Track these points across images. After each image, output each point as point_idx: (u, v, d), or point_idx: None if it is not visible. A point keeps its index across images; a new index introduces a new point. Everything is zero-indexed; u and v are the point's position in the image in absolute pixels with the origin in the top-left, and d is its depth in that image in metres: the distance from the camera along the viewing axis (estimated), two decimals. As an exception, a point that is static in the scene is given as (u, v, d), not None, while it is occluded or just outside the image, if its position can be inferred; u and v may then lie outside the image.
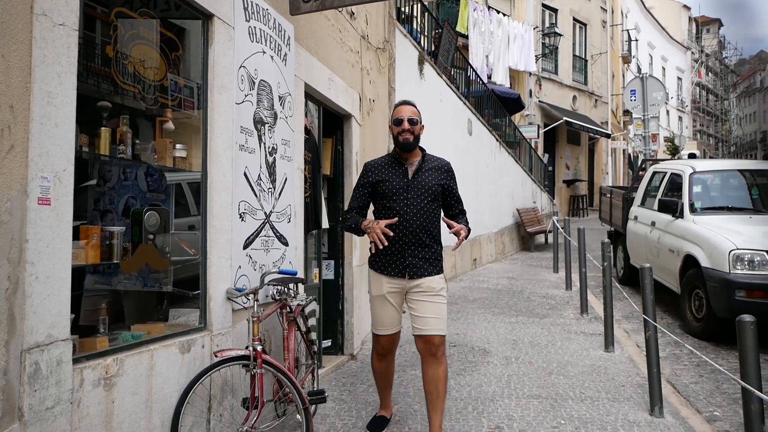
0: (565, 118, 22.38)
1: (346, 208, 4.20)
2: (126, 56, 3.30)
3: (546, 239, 16.93)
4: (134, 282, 3.71)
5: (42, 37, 2.47)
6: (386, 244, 3.58)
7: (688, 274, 6.94)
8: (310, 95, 5.29)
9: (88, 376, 2.71)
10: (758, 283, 6.04)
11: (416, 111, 3.95)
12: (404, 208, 3.79)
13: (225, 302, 3.76)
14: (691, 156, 14.27)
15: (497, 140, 14.64)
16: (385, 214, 3.83)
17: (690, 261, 6.91)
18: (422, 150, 3.97)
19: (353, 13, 6.29)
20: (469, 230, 3.89)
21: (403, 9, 10.48)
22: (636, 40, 36.66)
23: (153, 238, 3.47)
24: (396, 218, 3.73)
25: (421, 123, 3.94)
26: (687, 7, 57.72)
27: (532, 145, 20.19)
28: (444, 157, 4.12)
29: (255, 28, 4.16)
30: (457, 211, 4.03)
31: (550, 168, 23.49)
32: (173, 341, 3.32)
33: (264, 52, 4.28)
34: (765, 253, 6.14)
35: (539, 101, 22.72)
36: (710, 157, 48.61)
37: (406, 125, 3.85)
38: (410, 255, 3.80)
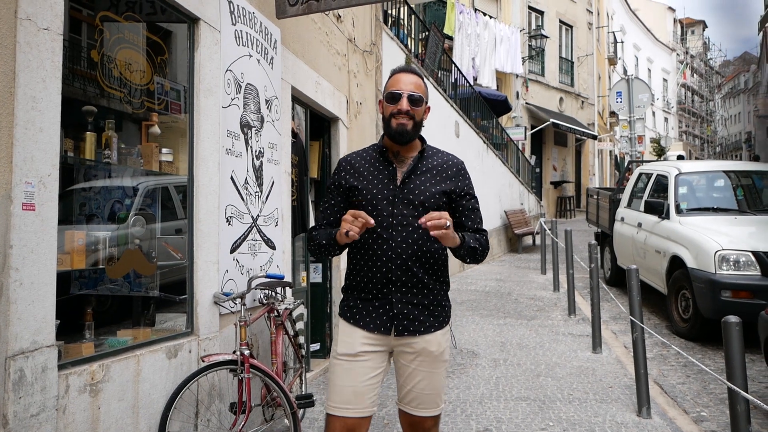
0: (551, 120, 22.48)
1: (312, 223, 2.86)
2: (112, 60, 3.29)
3: (534, 241, 16.99)
4: (120, 287, 3.69)
5: (26, 41, 2.45)
6: (372, 223, 2.36)
7: (675, 275, 6.98)
8: (297, 98, 5.29)
9: (73, 383, 2.68)
10: (743, 283, 6.09)
11: (422, 84, 2.63)
12: (389, 229, 2.52)
13: (212, 307, 3.74)
14: (680, 158, 14.41)
15: (484, 142, 14.69)
16: (362, 237, 2.51)
17: (676, 262, 6.96)
18: (422, 141, 2.71)
19: (340, 17, 6.29)
20: (466, 247, 2.55)
21: (390, 12, 10.50)
22: (622, 42, 36.94)
23: (139, 244, 3.45)
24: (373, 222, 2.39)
25: (426, 103, 2.66)
26: (672, 9, 58.26)
27: (519, 147, 20.26)
28: None
29: (241, 31, 4.15)
30: (470, 231, 2.65)
31: (538, 169, 23.58)
32: (160, 346, 3.30)
33: (251, 56, 4.27)
34: (750, 254, 6.19)
35: (526, 103, 22.80)
36: (696, 158, 49.06)
37: (404, 104, 2.54)
38: (399, 300, 2.53)
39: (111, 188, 3.71)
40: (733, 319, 3.14)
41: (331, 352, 2.70)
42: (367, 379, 2.52)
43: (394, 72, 2.67)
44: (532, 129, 22.90)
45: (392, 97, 2.57)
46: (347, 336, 2.57)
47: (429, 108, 2.69)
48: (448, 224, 2.32)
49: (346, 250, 2.64)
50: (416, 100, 2.57)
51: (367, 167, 2.64)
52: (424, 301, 2.56)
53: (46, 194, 2.53)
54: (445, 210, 2.55)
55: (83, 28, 3.43)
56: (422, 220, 2.32)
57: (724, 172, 8.37)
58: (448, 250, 2.60)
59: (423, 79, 2.66)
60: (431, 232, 2.32)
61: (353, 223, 2.34)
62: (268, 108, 4.52)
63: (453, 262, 11.72)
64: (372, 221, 2.34)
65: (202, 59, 3.71)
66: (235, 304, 3.77)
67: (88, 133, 3.09)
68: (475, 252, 2.59)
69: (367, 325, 2.55)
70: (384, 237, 2.51)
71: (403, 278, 2.52)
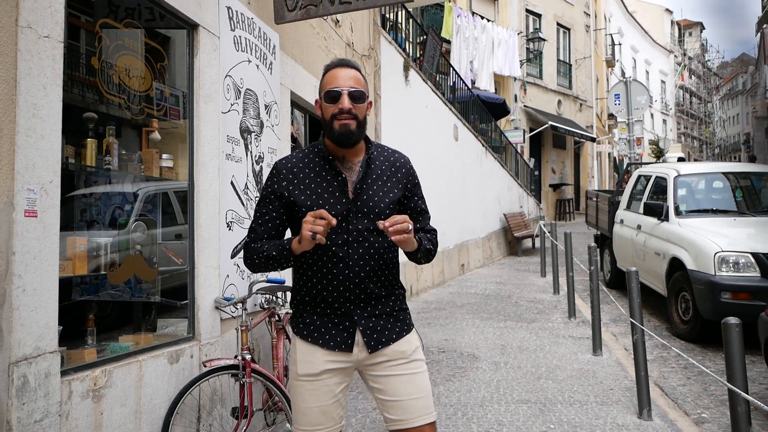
0: (550, 123, 22.53)
1: (245, 237, 2.56)
2: (111, 66, 3.30)
3: (533, 243, 17.00)
4: (122, 292, 3.70)
5: (27, 49, 2.46)
6: (334, 222, 2.13)
7: (674, 277, 6.99)
8: (296, 103, 5.31)
9: (76, 388, 2.69)
10: (743, 285, 6.10)
11: (361, 78, 2.37)
12: (345, 246, 2.29)
13: (213, 312, 3.75)
14: (680, 160, 14.46)
15: (483, 145, 14.71)
16: (315, 254, 2.31)
17: (676, 264, 6.97)
18: (367, 142, 2.42)
19: (338, 21, 6.31)
20: (423, 250, 2.40)
21: (387, 16, 10.52)
22: (619, 44, 37.04)
23: (140, 249, 3.46)
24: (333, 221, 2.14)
25: (368, 98, 2.38)
26: (669, 11, 58.40)
27: (518, 150, 20.30)
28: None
29: (240, 37, 4.17)
30: (421, 231, 2.48)
31: (537, 172, 23.62)
32: (162, 352, 3.31)
33: (250, 61, 4.29)
34: (750, 255, 6.20)
35: (524, 106, 22.85)
36: (695, 160, 49.11)
37: (346, 103, 2.27)
38: (361, 315, 2.33)
39: (112, 194, 3.72)
40: (732, 320, 3.15)
41: (289, 371, 2.50)
42: (333, 396, 2.36)
43: (329, 67, 2.38)
44: (530, 132, 22.94)
45: (331, 97, 2.29)
46: (307, 355, 2.35)
47: (371, 103, 2.44)
48: (410, 228, 2.18)
49: (293, 267, 2.42)
50: (358, 97, 2.29)
51: (313, 177, 2.34)
52: (386, 309, 2.38)
53: (48, 201, 2.55)
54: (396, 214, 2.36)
55: (83, 35, 3.45)
56: (385, 224, 2.15)
57: (723, 173, 8.38)
58: (401, 254, 2.42)
59: (361, 72, 2.41)
60: (393, 238, 2.16)
61: (315, 222, 2.10)
62: (267, 113, 4.53)
63: (452, 267, 11.75)
64: (334, 220, 2.12)
65: (201, 65, 3.73)
66: (236, 308, 3.78)
67: (88, 139, 3.11)
68: (429, 253, 2.46)
69: (328, 343, 2.32)
70: (340, 255, 2.28)
71: (362, 295, 2.32)
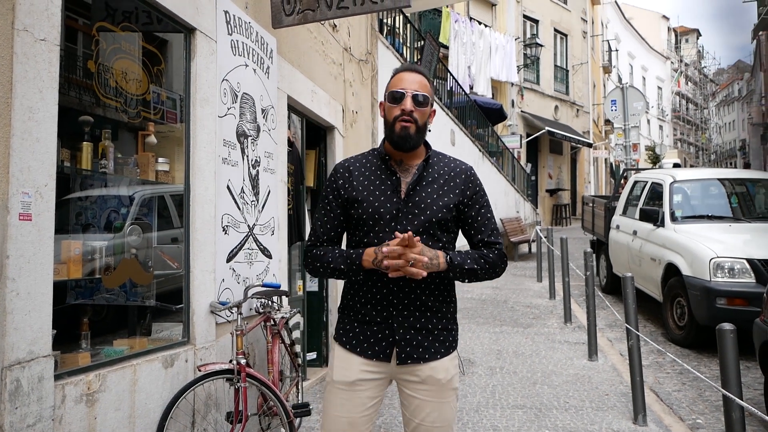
0: (547, 128, 22.57)
1: (307, 239, 2.56)
2: (108, 70, 3.30)
3: (529, 248, 17.00)
4: (116, 296, 3.69)
5: (23, 52, 2.46)
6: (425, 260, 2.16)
7: (670, 283, 7.01)
8: (293, 107, 5.31)
9: (70, 393, 2.68)
10: (738, 290, 6.11)
11: (427, 84, 2.37)
12: None
13: (208, 316, 3.74)
14: (676, 166, 14.48)
15: (480, 150, 14.73)
16: None
17: (671, 269, 6.99)
18: (427, 147, 2.43)
19: (335, 26, 6.32)
20: (457, 270, 2.28)
21: (385, 21, 10.55)
22: (616, 51, 37.12)
23: (136, 253, 3.45)
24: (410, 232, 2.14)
25: (432, 105, 2.40)
26: (666, 18, 58.60)
27: (515, 155, 20.33)
28: None
29: (237, 41, 4.17)
30: (480, 243, 2.39)
31: (533, 177, 23.65)
32: (156, 356, 3.30)
33: (247, 65, 4.29)
34: (745, 261, 6.22)
35: (521, 111, 22.89)
36: (691, 166, 49.26)
37: (408, 104, 2.28)
38: (401, 324, 2.28)
39: (107, 198, 3.71)
40: (727, 326, 3.15)
41: (326, 376, 2.47)
42: (364, 410, 2.31)
43: (398, 71, 2.40)
44: (527, 137, 22.98)
45: (394, 98, 2.31)
46: (343, 362, 2.34)
47: (434, 111, 2.45)
48: (411, 261, 2.12)
49: None
50: (421, 101, 2.30)
51: (368, 176, 2.37)
52: (428, 325, 2.30)
53: (42, 204, 2.54)
54: (452, 221, 2.34)
55: (79, 38, 3.44)
56: (384, 250, 2.15)
57: (719, 179, 8.41)
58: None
59: (428, 80, 2.41)
60: (390, 273, 2.16)
61: (401, 257, 2.13)
62: (264, 117, 4.53)
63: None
64: (406, 236, 2.12)
65: (198, 69, 3.72)
66: (232, 313, 3.77)
67: (84, 143, 3.10)
68: (473, 273, 2.30)
69: (365, 351, 2.30)
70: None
71: (406, 301, 2.26)
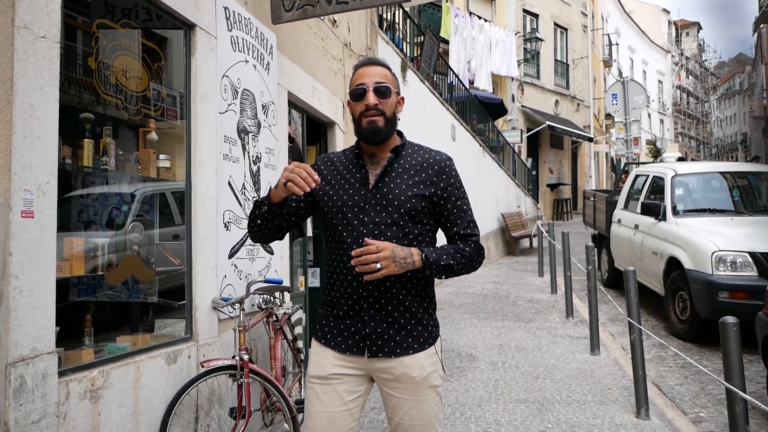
0: (547, 123, 22.54)
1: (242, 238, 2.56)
2: (108, 67, 3.29)
3: (531, 243, 17.01)
4: (119, 293, 3.69)
5: (23, 50, 2.46)
6: (317, 180, 2.11)
7: (672, 276, 7.00)
8: (294, 103, 5.30)
9: (74, 389, 2.69)
10: (740, 284, 6.11)
11: (388, 74, 2.34)
12: (360, 239, 2.21)
13: (211, 312, 3.75)
14: (680, 159, 14.46)
15: (481, 145, 14.72)
16: (332, 248, 2.35)
17: (673, 263, 6.98)
18: (401, 137, 2.42)
19: (335, 21, 6.31)
20: (433, 267, 2.22)
21: (385, 16, 10.53)
22: (617, 45, 37.05)
23: (138, 250, 3.46)
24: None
25: (398, 93, 2.37)
26: (666, 11, 58.47)
27: (516, 150, 20.31)
28: None
29: (237, 37, 4.16)
30: (456, 236, 2.34)
31: (534, 172, 23.64)
32: (159, 352, 3.31)
33: (247, 62, 4.29)
34: (747, 255, 6.21)
35: (522, 106, 22.86)
36: (692, 159, 49.22)
37: (371, 99, 2.25)
38: (372, 318, 2.25)
39: (109, 195, 3.71)
40: (730, 320, 3.15)
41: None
42: (342, 404, 2.26)
43: (357, 66, 2.36)
44: (528, 132, 22.96)
45: (356, 94, 2.28)
46: (318, 357, 2.32)
47: (402, 99, 2.40)
48: (379, 267, 2.09)
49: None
50: (384, 92, 2.26)
51: (341, 170, 2.36)
52: (401, 319, 2.25)
53: (44, 201, 2.54)
54: (424, 212, 2.27)
55: (79, 35, 3.44)
56: (353, 253, 2.12)
57: (720, 173, 8.40)
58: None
59: (390, 69, 2.37)
60: (365, 277, 2.12)
61: (293, 170, 2.09)
62: (264, 113, 4.53)
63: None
64: (317, 178, 2.10)
65: (198, 65, 3.72)
66: (234, 309, 3.78)
67: (85, 140, 3.10)
68: (450, 269, 2.26)
69: (339, 345, 2.27)
70: (354, 247, 2.17)
71: (376, 293, 2.22)
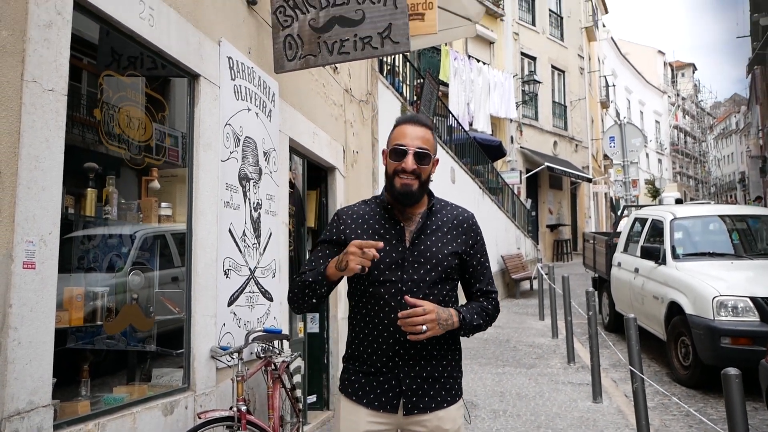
0: (546, 164, 22.66)
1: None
2: (113, 118, 3.33)
3: (531, 285, 16.93)
4: (117, 341, 3.67)
5: (31, 103, 2.49)
6: (376, 257, 2.10)
7: (673, 321, 6.96)
8: (295, 149, 5.34)
9: (69, 443, 2.65)
10: (743, 329, 6.06)
11: (430, 137, 2.34)
12: (398, 295, 2.23)
13: (209, 361, 3.71)
14: (678, 201, 14.49)
15: (480, 187, 14.78)
16: (365, 304, 2.31)
17: (674, 308, 6.95)
18: (430, 195, 2.42)
19: (336, 68, 6.39)
20: (467, 328, 2.29)
21: (385, 61, 10.67)
22: (613, 86, 37.53)
23: (137, 298, 3.45)
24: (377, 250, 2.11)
25: (435, 157, 2.37)
26: (662, 53, 59.33)
27: (515, 191, 20.38)
28: None
29: (240, 86, 4.21)
30: (478, 293, 2.41)
31: (534, 213, 23.67)
32: (156, 403, 3.27)
33: (249, 110, 4.34)
34: (748, 300, 6.18)
35: (521, 147, 23.02)
36: (691, 199, 49.37)
37: (410, 163, 2.26)
38: (408, 374, 2.25)
39: (109, 242, 3.71)
40: (732, 371, 3.12)
41: (332, 429, 2.40)
42: None
43: (400, 122, 2.36)
44: (527, 173, 23.08)
45: (396, 153, 2.28)
46: (351, 414, 2.29)
47: (437, 160, 2.40)
48: (425, 329, 2.12)
49: (348, 316, 2.43)
50: (423, 157, 2.27)
51: (372, 224, 2.34)
52: (434, 373, 2.27)
53: (46, 252, 2.54)
54: (456, 269, 2.33)
55: (84, 78, 3.47)
56: (401, 314, 2.13)
57: (719, 216, 8.42)
58: None
59: (431, 131, 2.37)
60: (409, 337, 2.14)
61: (364, 255, 2.07)
62: (266, 160, 4.56)
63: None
64: (381, 244, 2.09)
65: (201, 114, 3.76)
66: (232, 358, 3.74)
67: (88, 189, 3.13)
68: (479, 328, 2.33)
69: (372, 402, 2.25)
70: (392, 305, 2.21)
71: (412, 351, 2.23)
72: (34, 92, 2.51)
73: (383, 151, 2.41)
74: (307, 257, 2.40)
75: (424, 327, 2.12)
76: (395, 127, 2.37)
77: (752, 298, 6.18)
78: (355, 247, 2.09)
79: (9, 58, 2.41)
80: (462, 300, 2.38)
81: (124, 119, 3.40)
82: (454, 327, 2.23)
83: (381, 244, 2.10)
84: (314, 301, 2.31)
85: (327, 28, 4.33)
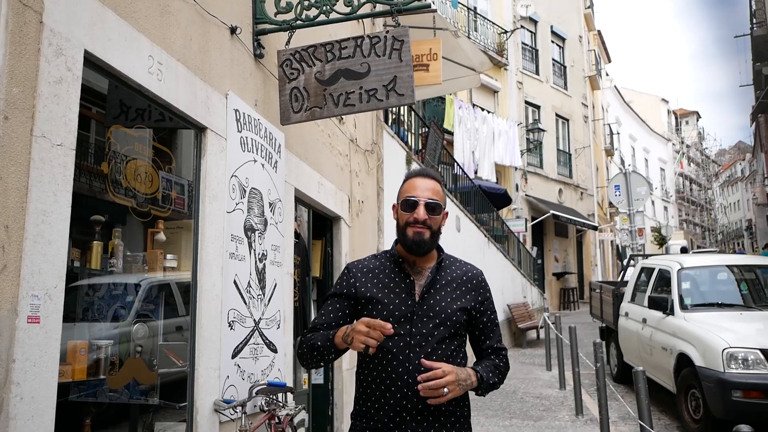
0: (552, 211, 22.67)
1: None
2: (120, 171, 3.37)
3: (538, 334, 16.75)
4: (120, 394, 3.63)
5: (40, 158, 2.52)
6: (390, 330, 2.07)
7: (683, 374, 6.84)
8: (300, 199, 5.38)
9: (68, 502, 2.60)
10: (755, 383, 5.95)
11: (440, 189, 2.42)
12: (407, 350, 2.24)
13: (212, 414, 3.67)
14: (683, 250, 14.43)
15: (485, 236, 14.77)
16: (373, 358, 2.28)
17: (683, 359, 6.84)
18: (439, 250, 2.46)
19: (342, 118, 6.48)
20: (484, 387, 2.31)
21: (390, 110, 10.81)
22: (618, 134, 37.79)
23: (140, 351, 3.43)
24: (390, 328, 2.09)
25: (445, 209, 2.42)
26: (665, 101, 59.91)
27: (521, 239, 20.34)
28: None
29: (247, 137, 4.27)
30: (489, 350, 2.44)
31: (539, 261, 23.58)
32: (158, 458, 3.22)
33: (255, 161, 4.38)
34: (759, 352, 6.08)
35: (526, 195, 23.09)
36: (698, 247, 49.17)
37: (421, 213, 2.31)
38: (416, 429, 2.23)
39: (114, 294, 3.71)
40: (745, 429, 3.07)
41: None
42: None
43: (410, 176, 2.45)
44: (532, 220, 23.07)
45: (408, 204, 2.35)
46: None
47: (447, 213, 2.46)
48: (446, 391, 2.10)
49: (356, 371, 2.41)
50: (434, 208, 2.34)
51: (382, 278, 2.37)
52: (442, 429, 2.24)
53: (51, 306, 2.54)
54: (464, 325, 2.35)
55: (92, 127, 3.52)
56: (420, 377, 2.11)
57: (727, 266, 8.36)
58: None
59: (440, 183, 2.46)
60: (430, 401, 2.12)
61: (369, 334, 2.06)
62: (271, 211, 4.59)
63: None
64: (389, 327, 2.07)
65: (208, 166, 3.80)
66: (236, 412, 3.70)
67: (95, 242, 3.14)
68: (494, 386, 2.35)
69: None
70: (400, 359, 2.21)
71: (420, 406, 2.19)
72: (43, 147, 2.54)
73: (393, 206, 2.47)
74: (314, 309, 2.42)
75: (446, 389, 2.10)
76: (405, 180, 2.44)
77: (763, 350, 6.08)
78: (363, 325, 2.10)
79: (19, 114, 2.45)
80: (470, 356, 2.37)
81: (131, 172, 3.44)
82: (472, 387, 2.24)
83: (391, 328, 2.08)
84: (322, 363, 2.37)
85: (333, 81, 4.40)
